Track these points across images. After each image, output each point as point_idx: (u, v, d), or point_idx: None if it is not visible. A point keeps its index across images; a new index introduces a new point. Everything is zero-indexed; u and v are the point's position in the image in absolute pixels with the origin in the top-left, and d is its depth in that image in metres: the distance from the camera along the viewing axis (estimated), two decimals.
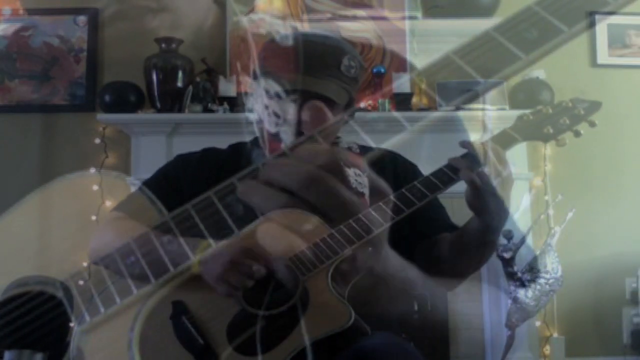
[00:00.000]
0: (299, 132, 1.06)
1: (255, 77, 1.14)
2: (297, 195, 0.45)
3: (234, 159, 1.21)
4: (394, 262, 0.94)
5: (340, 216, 0.46)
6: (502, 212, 1.02)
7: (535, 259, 2.55)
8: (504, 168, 1.02)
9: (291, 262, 0.92)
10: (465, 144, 1.04)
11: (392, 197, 1.03)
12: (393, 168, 1.23)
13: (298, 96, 1.08)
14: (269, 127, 1.08)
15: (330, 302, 0.91)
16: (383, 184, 0.52)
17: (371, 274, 0.91)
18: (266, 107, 1.09)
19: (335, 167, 0.46)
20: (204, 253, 0.89)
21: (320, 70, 1.09)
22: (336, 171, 0.46)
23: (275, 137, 1.08)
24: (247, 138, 1.24)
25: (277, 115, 1.07)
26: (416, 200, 1.00)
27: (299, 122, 1.06)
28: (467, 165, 1.01)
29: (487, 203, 1.00)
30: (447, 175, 1.02)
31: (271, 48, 1.13)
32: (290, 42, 1.07)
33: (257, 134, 1.16)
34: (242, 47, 2.81)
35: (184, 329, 0.93)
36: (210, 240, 0.47)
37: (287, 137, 1.06)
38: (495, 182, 1.00)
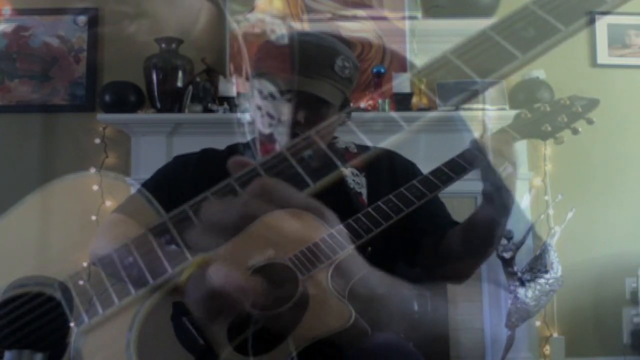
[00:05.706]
0: (293, 133, 1.06)
1: (248, 78, 1.14)
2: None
3: None
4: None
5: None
6: (510, 199, 1.04)
7: (535, 259, 2.55)
8: (513, 157, 1.04)
9: (291, 262, 0.92)
10: (474, 142, 1.05)
11: (391, 196, 1.03)
12: (391, 167, 1.23)
13: (293, 96, 1.08)
14: (262, 128, 1.08)
15: (331, 302, 0.90)
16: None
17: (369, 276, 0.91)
18: (259, 108, 1.09)
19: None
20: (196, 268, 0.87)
21: (314, 71, 1.09)
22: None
23: (269, 138, 1.08)
24: (245, 139, 1.24)
25: (270, 116, 1.07)
26: (415, 199, 1.00)
27: (294, 123, 1.05)
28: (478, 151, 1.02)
29: (501, 189, 1.02)
30: (446, 174, 1.02)
31: (266, 48, 1.13)
32: (285, 42, 1.07)
33: (249, 136, 1.16)
34: (235, 47, 2.81)
35: (185, 330, 0.93)
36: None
37: (282, 138, 1.06)
38: (505, 171, 1.01)
